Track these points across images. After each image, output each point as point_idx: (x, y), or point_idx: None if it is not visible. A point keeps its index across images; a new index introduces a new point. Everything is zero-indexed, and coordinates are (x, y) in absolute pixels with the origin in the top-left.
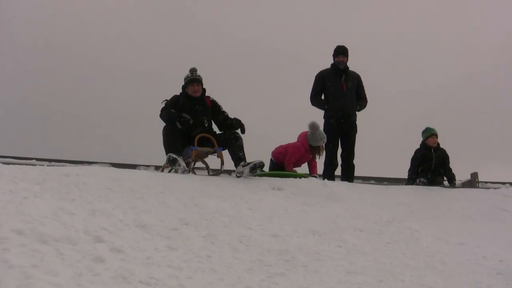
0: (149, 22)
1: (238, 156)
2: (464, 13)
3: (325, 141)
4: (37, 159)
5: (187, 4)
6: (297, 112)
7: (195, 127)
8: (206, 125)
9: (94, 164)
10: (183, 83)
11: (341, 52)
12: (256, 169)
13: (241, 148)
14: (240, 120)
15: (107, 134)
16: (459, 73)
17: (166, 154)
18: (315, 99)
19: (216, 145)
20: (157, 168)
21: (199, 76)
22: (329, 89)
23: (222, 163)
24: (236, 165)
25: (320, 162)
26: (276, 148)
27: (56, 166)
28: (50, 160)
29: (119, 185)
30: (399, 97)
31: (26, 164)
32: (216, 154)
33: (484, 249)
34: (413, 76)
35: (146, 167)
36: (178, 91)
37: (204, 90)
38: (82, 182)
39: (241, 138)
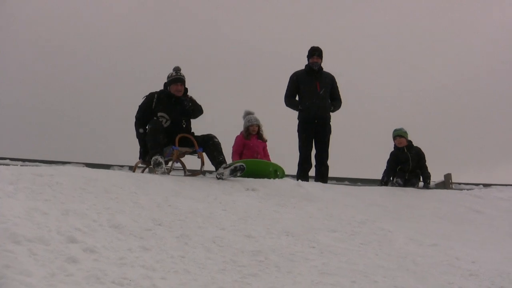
0: (137, 21)
1: (219, 160)
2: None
3: (254, 122)
4: (11, 159)
5: (180, 4)
6: (284, 113)
7: (173, 127)
8: (184, 125)
9: (68, 164)
10: (165, 81)
11: (315, 53)
12: (236, 171)
13: (220, 152)
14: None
15: (81, 134)
16: (439, 75)
17: (150, 150)
18: (289, 100)
19: (196, 146)
20: (131, 168)
21: (183, 75)
22: (303, 90)
23: (203, 163)
24: (216, 168)
25: (294, 162)
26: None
27: (30, 166)
28: (23, 160)
29: (93, 186)
30: (374, 98)
31: (0, 164)
32: (196, 154)
33: (457, 250)
34: (389, 77)
35: (120, 167)
36: (153, 89)
37: (186, 90)
38: (56, 182)
39: (219, 143)
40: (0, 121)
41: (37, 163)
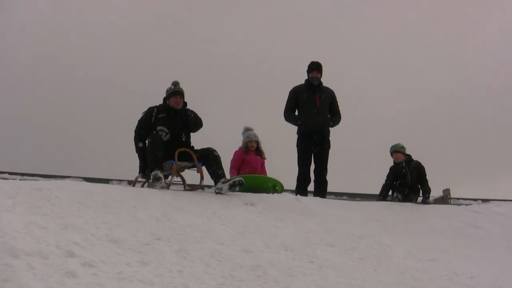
0: (138, 32)
1: (218, 174)
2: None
3: (252, 138)
4: (10, 173)
5: (179, 14)
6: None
7: (173, 140)
8: (184, 139)
9: (66, 179)
10: (164, 95)
11: (315, 68)
12: (235, 186)
13: (220, 166)
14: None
15: (80, 148)
16: (434, 90)
17: (149, 165)
18: (288, 115)
19: (195, 160)
20: (130, 182)
21: (182, 89)
22: (302, 105)
23: (202, 178)
24: (215, 182)
25: (293, 177)
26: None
27: (28, 180)
28: (22, 174)
29: (92, 200)
30: (373, 113)
31: None
32: (195, 169)
33: (456, 265)
34: (389, 92)
35: (119, 182)
36: (153, 104)
37: (185, 104)
38: (55, 197)
39: (219, 156)
40: None
41: (36, 177)
